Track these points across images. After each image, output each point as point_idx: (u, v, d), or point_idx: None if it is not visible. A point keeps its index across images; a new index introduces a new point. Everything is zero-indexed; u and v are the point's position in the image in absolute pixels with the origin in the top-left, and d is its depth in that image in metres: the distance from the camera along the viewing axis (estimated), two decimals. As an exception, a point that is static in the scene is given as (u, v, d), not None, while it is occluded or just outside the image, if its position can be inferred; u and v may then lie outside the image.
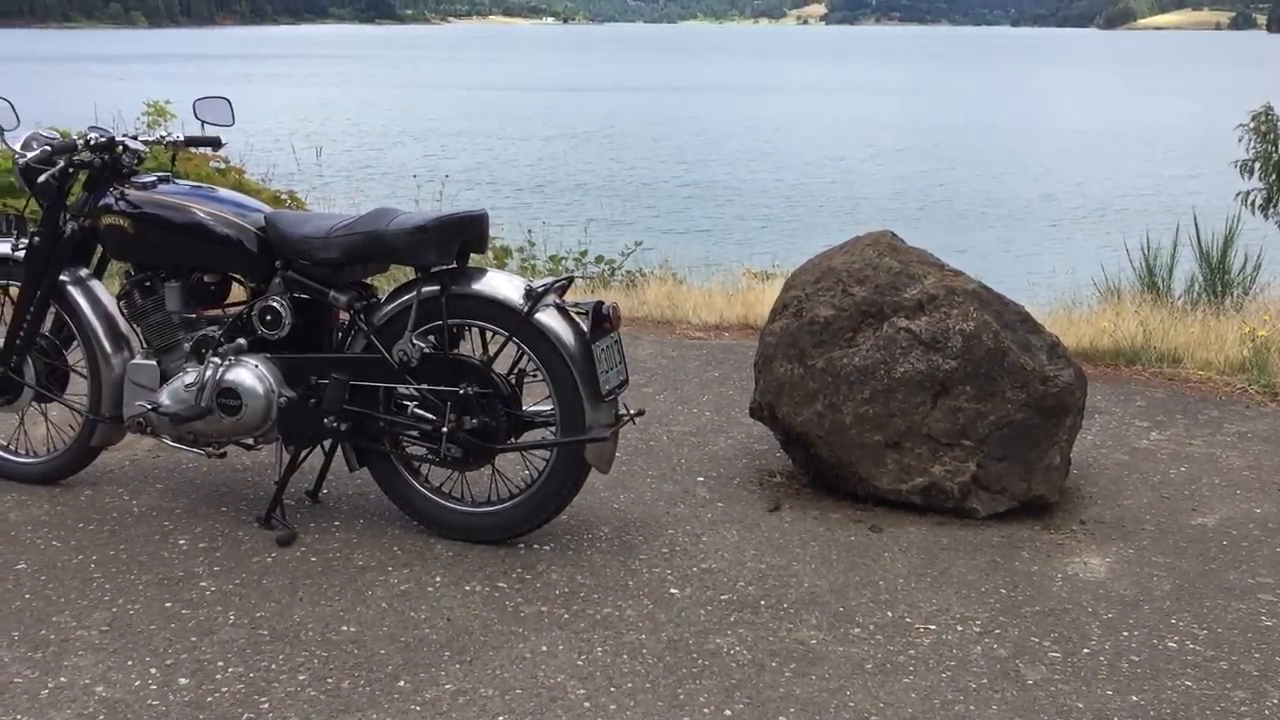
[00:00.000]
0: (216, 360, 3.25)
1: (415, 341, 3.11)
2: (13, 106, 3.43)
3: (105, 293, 3.56)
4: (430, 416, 3.14)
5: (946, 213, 21.93)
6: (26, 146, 3.42)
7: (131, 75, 44.68)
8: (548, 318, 3.05)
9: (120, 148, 3.38)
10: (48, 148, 3.30)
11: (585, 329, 3.05)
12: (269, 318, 3.25)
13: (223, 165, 7.71)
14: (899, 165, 28.52)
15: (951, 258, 3.81)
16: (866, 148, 31.76)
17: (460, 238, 3.09)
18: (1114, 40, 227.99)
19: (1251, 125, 10.12)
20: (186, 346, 3.36)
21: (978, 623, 2.81)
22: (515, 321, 3.05)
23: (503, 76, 65.02)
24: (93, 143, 3.34)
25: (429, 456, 3.21)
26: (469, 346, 3.27)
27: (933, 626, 2.79)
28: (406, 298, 3.15)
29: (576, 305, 3.11)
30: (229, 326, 3.34)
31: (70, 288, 3.50)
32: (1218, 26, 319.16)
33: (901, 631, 2.77)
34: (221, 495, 3.57)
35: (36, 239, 3.45)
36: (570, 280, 3.19)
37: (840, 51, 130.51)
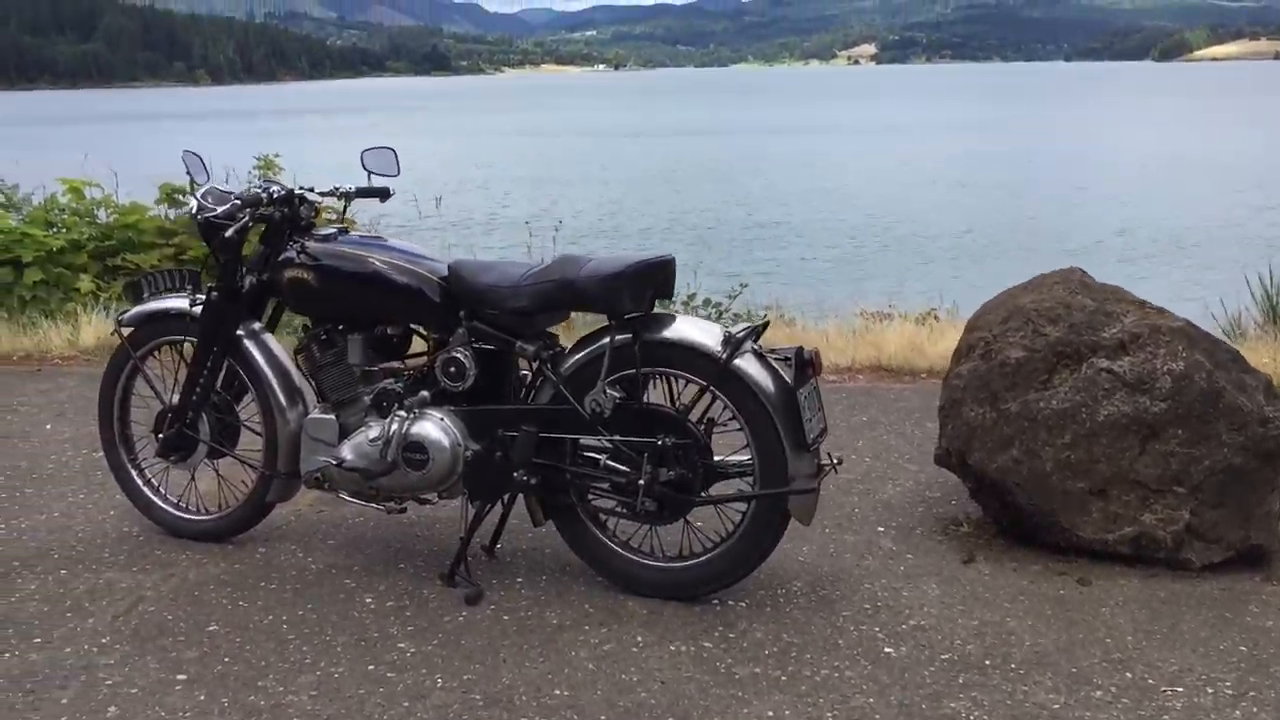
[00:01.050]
0: (402, 414, 3.18)
1: (608, 391, 3.02)
2: (204, 161, 3.42)
3: (279, 347, 3.53)
4: (624, 469, 3.05)
5: (1021, 247, 21.51)
6: (203, 201, 3.41)
7: (215, 133, 45.69)
8: (747, 365, 2.95)
9: (298, 200, 3.35)
10: (237, 201, 3.28)
11: (786, 375, 2.95)
12: (453, 369, 3.18)
13: (330, 218, 7.72)
14: (970, 201, 28.17)
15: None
16: (931, 185, 31.48)
17: (653, 284, 3.01)
18: (1173, 72, 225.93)
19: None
20: (366, 400, 3.31)
21: (1228, 684, 2.64)
22: (714, 369, 2.95)
23: (568, 122, 65.52)
24: (275, 196, 3.32)
25: (620, 510, 3.12)
26: (648, 394, 3.18)
27: (1180, 689, 2.62)
28: (596, 346, 3.07)
29: (773, 351, 3.01)
30: (412, 379, 3.29)
31: (246, 342, 3.46)
32: (1276, 56, 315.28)
33: (1147, 695, 2.60)
34: (395, 551, 3.49)
35: (214, 294, 3.43)
36: (766, 324, 3.08)
37: (897, 90, 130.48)
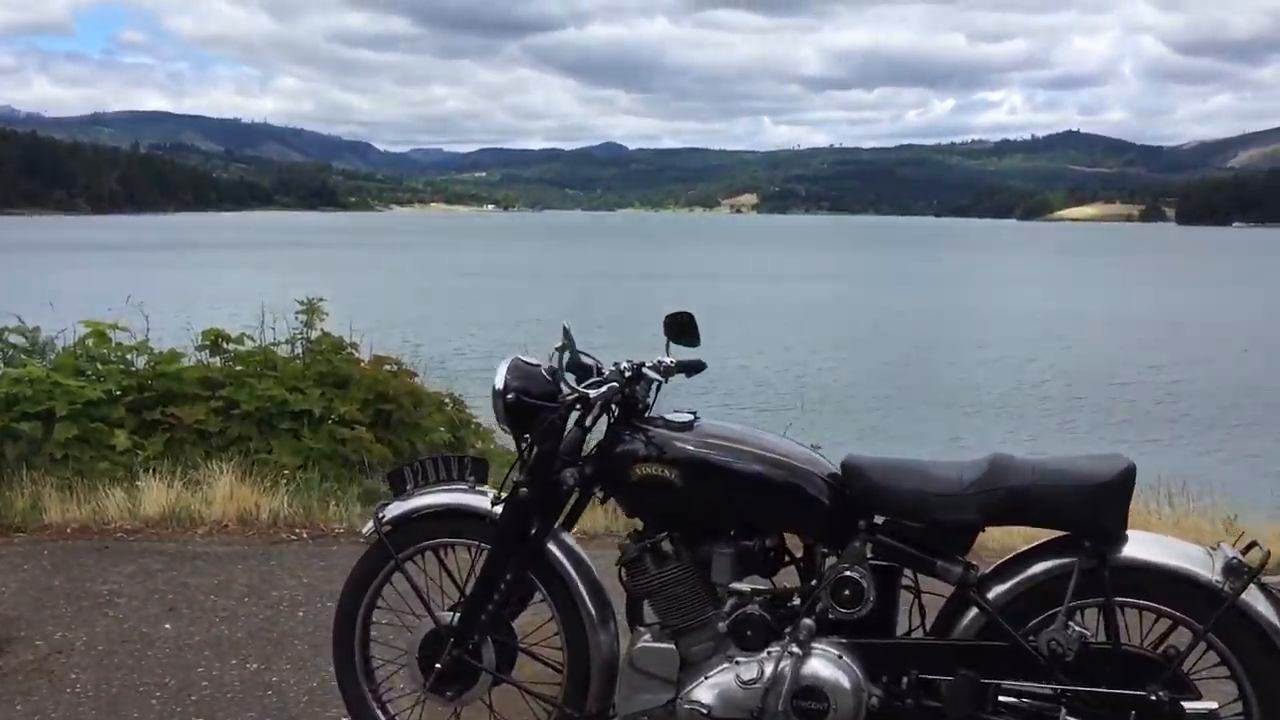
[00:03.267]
0: (796, 649, 2.56)
1: (1073, 627, 2.46)
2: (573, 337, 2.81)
3: (585, 553, 2.89)
4: (1092, 727, 2.47)
5: (928, 402, 21.43)
6: (517, 378, 2.78)
7: (126, 263, 43.83)
8: (1256, 602, 2.43)
9: (642, 379, 2.76)
10: (614, 385, 2.68)
11: None
12: (847, 592, 2.59)
13: (395, 368, 7.04)
14: (877, 353, 28.15)
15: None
16: (831, 337, 31.50)
17: (1128, 495, 2.49)
18: (1040, 230, 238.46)
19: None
20: (720, 626, 2.68)
21: None
22: (1209, 605, 2.41)
23: (485, 262, 65.21)
24: (627, 374, 2.73)
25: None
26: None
27: None
28: (1048, 569, 2.54)
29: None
30: (772, 600, 2.68)
31: (551, 547, 2.83)
32: (1129, 218, 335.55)
33: None
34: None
35: (523, 491, 2.78)
36: (1257, 546, 2.54)
37: (781, 239, 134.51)
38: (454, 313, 33.28)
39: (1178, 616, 2.48)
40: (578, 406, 2.74)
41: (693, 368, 2.98)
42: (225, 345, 6.92)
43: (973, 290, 51.27)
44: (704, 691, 2.63)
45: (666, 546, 2.72)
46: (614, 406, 2.77)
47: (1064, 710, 2.50)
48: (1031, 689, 2.53)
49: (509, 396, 2.77)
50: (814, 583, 2.65)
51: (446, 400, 7.39)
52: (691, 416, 2.74)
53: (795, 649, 2.58)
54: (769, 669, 2.58)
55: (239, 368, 6.86)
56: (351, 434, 6.45)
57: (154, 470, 5.92)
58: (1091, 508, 2.46)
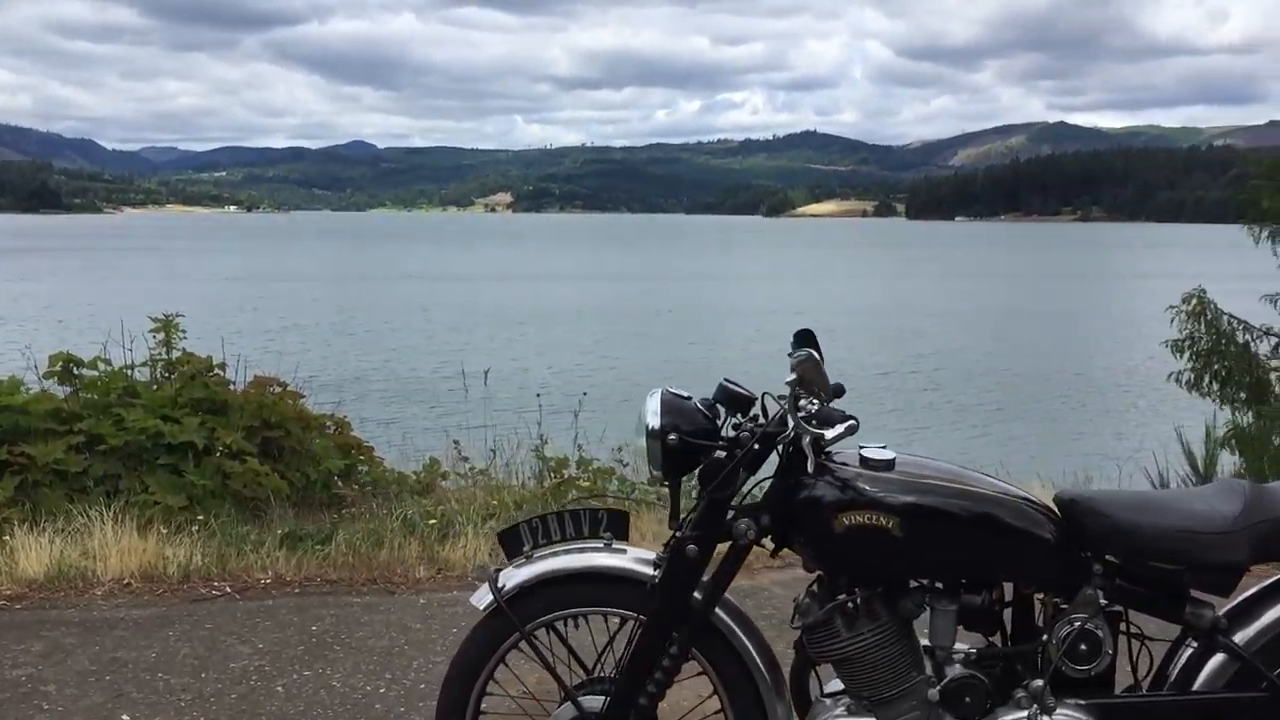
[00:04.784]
0: (1045, 717, 2.24)
1: (1345, 675, 2.26)
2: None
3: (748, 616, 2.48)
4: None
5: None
6: (672, 415, 2.34)
7: None
8: None
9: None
10: (850, 425, 2.25)
11: None
12: (1083, 647, 2.29)
13: (279, 389, 6.27)
14: (650, 351, 28.22)
15: None
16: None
17: None
18: (785, 226, 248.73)
19: (1184, 308, 10.61)
20: (931, 694, 2.33)
21: None
22: None
23: (241, 266, 61.76)
24: (816, 410, 2.32)
25: None
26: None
27: None
28: (1286, 604, 2.32)
29: None
30: (981, 660, 2.36)
31: (720, 612, 2.41)
32: (864, 214, 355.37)
33: None
34: None
35: (691, 548, 2.34)
36: None
37: (540, 237, 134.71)
38: (208, 320, 31.19)
39: None
40: (756, 447, 2.33)
41: (837, 391, 2.61)
42: (77, 371, 6.00)
43: (731, 285, 52.54)
44: (928, 771, 2.27)
45: (874, 606, 2.35)
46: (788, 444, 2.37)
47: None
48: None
49: (670, 438, 2.33)
50: (1044, 637, 2.34)
51: (329, 423, 6.67)
52: (890, 452, 2.38)
53: (1044, 716, 2.26)
54: (1014, 743, 2.25)
55: (90, 396, 5.96)
56: (242, 467, 5.70)
57: (14, 520, 5.03)
58: None
